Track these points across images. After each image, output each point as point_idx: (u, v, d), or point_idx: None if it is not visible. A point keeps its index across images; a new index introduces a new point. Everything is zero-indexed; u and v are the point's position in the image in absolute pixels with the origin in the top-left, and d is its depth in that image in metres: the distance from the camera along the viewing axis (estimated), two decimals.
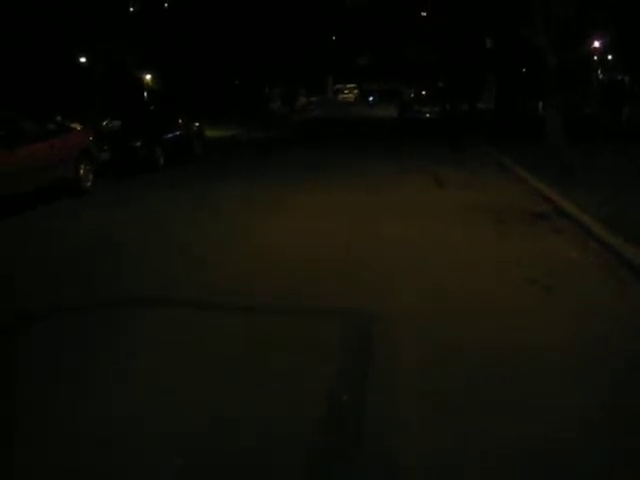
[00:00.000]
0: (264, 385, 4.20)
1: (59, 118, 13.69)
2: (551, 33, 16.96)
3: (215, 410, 3.90)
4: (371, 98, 61.52)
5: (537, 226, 8.64)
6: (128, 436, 3.65)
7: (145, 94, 32.51)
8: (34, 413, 3.94)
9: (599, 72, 32.41)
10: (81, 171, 12.97)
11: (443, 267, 6.72)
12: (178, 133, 18.26)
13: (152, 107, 22.60)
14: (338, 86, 73.34)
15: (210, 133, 21.77)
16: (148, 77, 33.64)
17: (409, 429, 3.62)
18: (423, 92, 38.27)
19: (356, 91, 73.02)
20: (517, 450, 3.39)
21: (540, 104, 27.31)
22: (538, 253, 7.22)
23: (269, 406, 3.91)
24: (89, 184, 13.23)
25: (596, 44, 28.25)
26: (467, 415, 3.74)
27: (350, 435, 3.58)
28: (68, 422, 3.82)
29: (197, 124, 19.89)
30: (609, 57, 31.79)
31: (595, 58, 30.68)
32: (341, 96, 71.56)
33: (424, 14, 37.40)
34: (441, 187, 12.15)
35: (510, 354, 4.52)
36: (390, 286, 6.16)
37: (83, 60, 27.37)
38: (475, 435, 3.53)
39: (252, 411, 3.87)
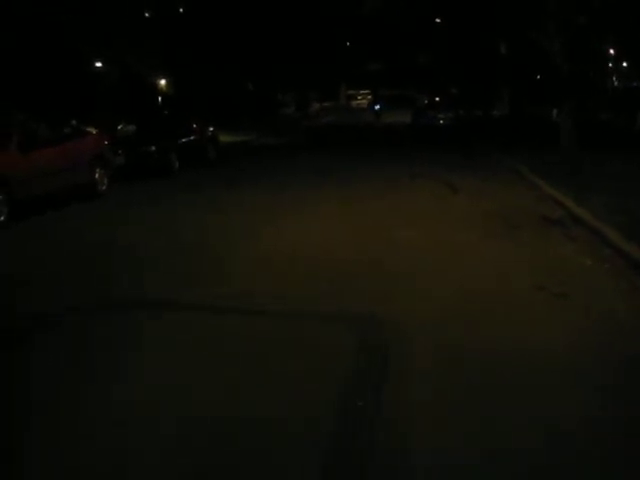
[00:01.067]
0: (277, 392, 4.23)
1: (74, 122, 13.78)
2: (564, 39, 16.93)
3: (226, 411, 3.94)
4: (377, 106, 47.77)
5: (551, 232, 8.60)
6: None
7: (159, 99, 32.70)
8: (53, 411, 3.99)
9: (614, 79, 32.28)
10: (96, 175, 13.09)
11: (455, 273, 6.71)
12: (192, 138, 18.36)
13: (166, 112, 22.73)
14: (351, 92, 73.33)
15: (224, 138, 21.86)
16: (163, 82, 33.83)
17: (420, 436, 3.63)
18: (437, 98, 38.22)
19: (370, 97, 72.97)
20: (517, 451, 3.39)
21: (554, 111, 27.23)
22: (552, 260, 7.19)
23: (275, 412, 3.95)
24: (104, 188, 13.34)
25: (611, 51, 28.16)
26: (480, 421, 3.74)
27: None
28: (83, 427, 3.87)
29: (211, 129, 19.99)
30: (624, 64, 31.66)
31: (610, 65, 30.56)
32: (354, 102, 71.49)
33: (438, 20, 37.42)
34: (455, 193, 12.13)
35: (522, 360, 4.51)
36: (402, 290, 6.16)
37: (99, 65, 27.59)
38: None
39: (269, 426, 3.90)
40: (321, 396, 4.05)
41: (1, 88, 19.77)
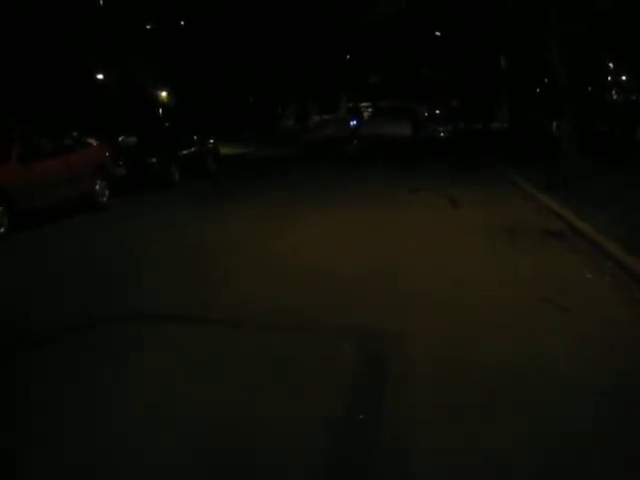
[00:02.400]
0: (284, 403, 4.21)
1: (75, 134, 13.80)
2: (564, 52, 16.99)
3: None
4: (354, 122, 39.40)
5: (552, 245, 8.61)
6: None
7: (160, 111, 32.78)
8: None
9: (613, 92, 32.39)
10: (97, 186, 13.10)
11: (457, 286, 6.69)
12: (193, 150, 18.39)
13: (167, 124, 22.78)
14: (351, 104, 73.58)
15: (224, 150, 21.88)
16: (163, 94, 33.92)
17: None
18: (437, 111, 38.34)
19: (370, 109, 73.23)
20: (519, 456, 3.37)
21: (554, 123, 27.30)
22: (553, 272, 7.18)
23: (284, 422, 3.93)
24: (105, 199, 13.35)
25: (610, 64, 28.26)
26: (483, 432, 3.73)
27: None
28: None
29: (211, 141, 20.02)
30: (623, 77, 31.77)
31: (609, 78, 30.67)
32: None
33: (438, 33, 37.59)
34: (455, 206, 12.13)
35: (524, 372, 4.50)
36: (404, 302, 6.16)
37: (100, 76, 27.67)
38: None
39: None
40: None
41: (2, 99, 19.81)
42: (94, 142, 14.42)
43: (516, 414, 3.94)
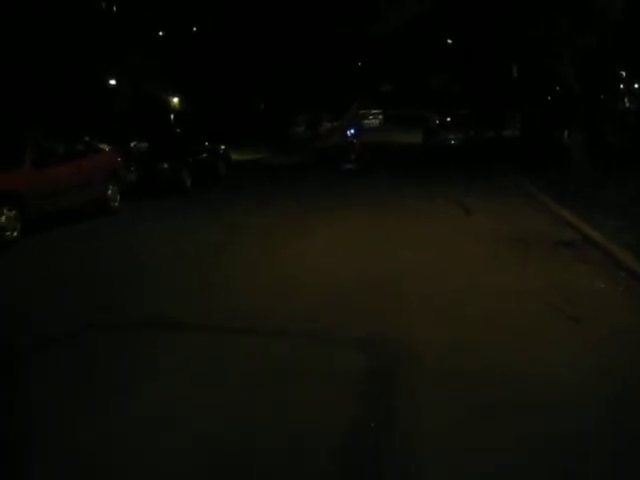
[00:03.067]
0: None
1: (88, 139, 13.86)
2: (575, 62, 16.98)
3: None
4: (351, 131, 28.73)
5: (564, 255, 8.56)
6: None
7: (172, 117, 32.91)
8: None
9: (626, 100, 32.25)
10: (109, 192, 13.15)
11: (469, 295, 6.67)
12: (204, 156, 18.44)
13: (179, 130, 22.86)
14: (362, 111, 73.58)
15: (235, 157, 21.96)
16: (175, 100, 34.06)
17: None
18: (448, 119, 38.26)
19: (381, 117, 73.23)
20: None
21: (565, 132, 27.21)
22: (565, 282, 7.15)
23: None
24: (116, 204, 13.40)
25: (622, 73, 28.16)
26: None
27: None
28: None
29: (223, 147, 20.08)
30: (636, 85, 31.64)
31: (621, 86, 30.55)
32: (365, 121, 71.74)
33: (450, 41, 37.60)
34: (468, 215, 12.10)
35: (536, 383, 4.48)
36: (414, 312, 6.14)
37: (112, 82, 27.81)
38: None
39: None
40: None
41: (16, 105, 19.94)
42: (106, 147, 14.50)
43: (519, 419, 3.93)
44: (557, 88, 23.79)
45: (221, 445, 3.76)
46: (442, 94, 46.77)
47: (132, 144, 18.24)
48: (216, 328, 5.89)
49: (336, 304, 6.46)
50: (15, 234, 10.12)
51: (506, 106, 34.03)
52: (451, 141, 33.26)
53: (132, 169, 15.33)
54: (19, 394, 4.59)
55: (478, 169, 21.49)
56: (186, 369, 4.94)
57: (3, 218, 9.89)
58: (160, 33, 30.80)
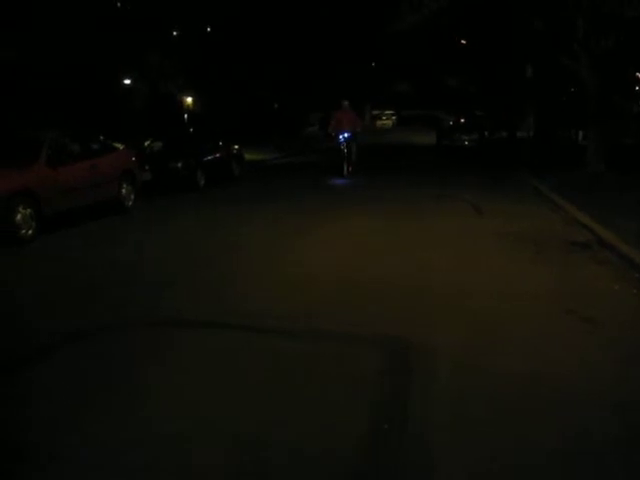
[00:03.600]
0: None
1: (102, 138, 13.93)
2: (593, 63, 16.89)
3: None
4: (345, 134, 19.52)
5: (578, 256, 8.53)
6: None
7: (186, 116, 33.03)
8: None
9: None
10: (123, 190, 13.21)
11: (481, 296, 6.66)
12: (218, 155, 18.48)
13: (193, 129, 22.92)
14: (375, 112, 73.55)
15: (248, 156, 21.99)
16: (189, 100, 34.18)
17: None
18: (462, 119, 38.12)
19: (394, 117, 73.14)
20: None
21: (580, 133, 27.08)
22: (579, 283, 7.12)
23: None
24: (130, 203, 13.46)
25: (638, 75, 27.98)
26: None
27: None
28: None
29: (236, 147, 20.11)
30: None
31: (637, 88, 30.37)
32: (379, 122, 71.69)
33: (464, 42, 37.48)
34: (480, 215, 12.08)
35: (548, 385, 4.47)
36: (428, 313, 6.14)
37: (127, 82, 27.96)
38: None
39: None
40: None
41: (31, 104, 20.09)
42: (121, 146, 14.53)
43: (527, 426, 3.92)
44: (572, 89, 23.69)
45: (238, 445, 3.79)
46: (457, 95, 46.63)
47: (146, 143, 18.33)
48: (235, 327, 5.91)
49: (352, 302, 6.47)
50: (30, 232, 10.19)
51: (520, 107, 33.90)
52: (465, 142, 33.17)
53: (146, 168, 15.41)
54: (35, 391, 4.63)
55: (492, 170, 21.42)
56: (200, 368, 4.96)
57: (19, 216, 9.96)
58: (175, 33, 30.94)
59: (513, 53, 26.65)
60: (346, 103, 19.13)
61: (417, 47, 39.55)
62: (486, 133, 35.71)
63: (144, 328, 5.95)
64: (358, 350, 5.25)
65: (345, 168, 19.29)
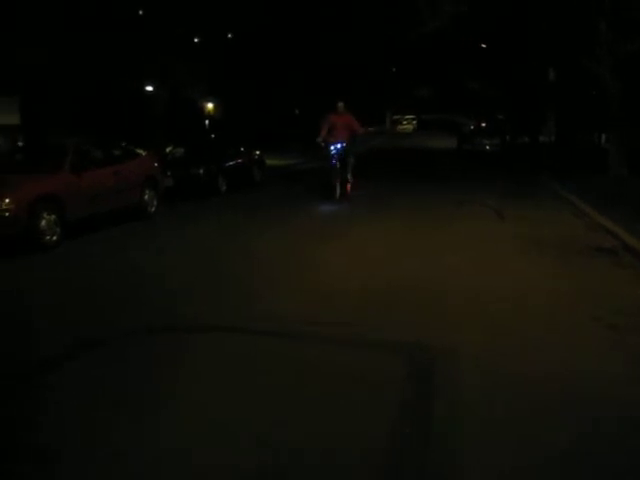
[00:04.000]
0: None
1: (125, 144, 14.04)
2: (614, 67, 16.75)
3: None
4: (338, 145, 15.29)
5: (602, 262, 8.45)
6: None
7: (207, 122, 33.23)
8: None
9: None
10: (146, 196, 13.31)
11: (504, 302, 6.62)
12: (239, 161, 18.57)
13: (214, 135, 23.04)
14: (396, 117, 73.57)
15: (270, 162, 22.06)
16: (211, 106, 34.38)
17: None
18: (483, 124, 37.99)
19: (415, 122, 73.08)
20: None
21: (603, 137, 26.86)
22: (605, 290, 7.06)
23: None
24: (153, 209, 13.55)
25: None
26: None
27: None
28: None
29: (258, 152, 20.19)
30: None
31: None
32: (399, 127, 71.70)
33: (484, 46, 37.31)
34: (502, 220, 12.02)
35: (571, 389, 4.45)
36: (451, 318, 6.12)
37: (149, 88, 28.20)
38: None
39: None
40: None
41: (57, 109, 20.34)
42: (143, 152, 14.67)
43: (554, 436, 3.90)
44: (593, 92, 23.51)
45: (263, 446, 3.81)
46: (477, 99, 46.46)
47: (168, 149, 18.46)
48: (255, 331, 5.92)
49: (374, 306, 6.48)
50: (55, 238, 10.31)
51: (542, 110, 33.70)
52: (486, 146, 33.06)
53: (168, 174, 15.52)
54: (52, 397, 4.69)
55: (514, 175, 21.33)
56: (222, 372, 4.99)
57: (43, 222, 10.08)
58: (196, 40, 31.17)
59: (534, 56, 26.53)
60: (341, 105, 15.57)
61: (438, 51, 39.50)
62: (507, 137, 35.55)
63: (164, 333, 5.98)
64: (381, 354, 5.26)
65: (338, 190, 15.20)
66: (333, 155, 15.38)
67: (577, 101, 26.87)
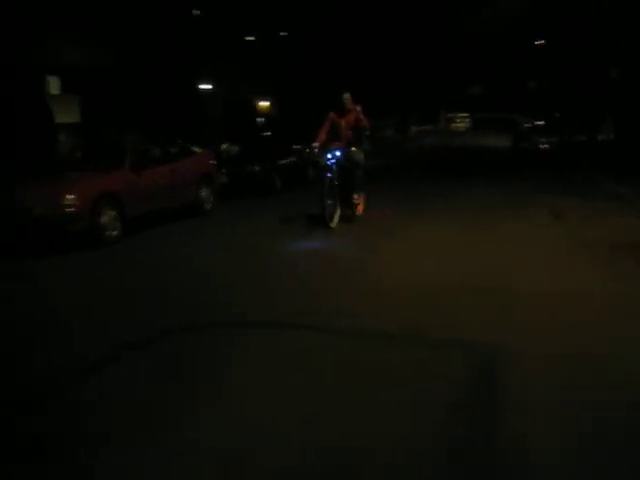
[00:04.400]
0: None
1: (181, 142, 14.29)
2: None
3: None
4: (338, 152, 11.56)
5: None
6: None
7: (262, 120, 33.49)
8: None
9: None
10: (202, 193, 13.52)
11: (567, 308, 6.48)
12: (294, 159, 18.68)
13: (269, 133, 23.24)
14: (450, 115, 72.88)
15: None
16: (266, 103, 34.64)
17: None
18: (540, 122, 37.34)
19: (468, 120, 72.24)
20: None
21: None
22: None
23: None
24: (209, 206, 13.76)
25: None
26: None
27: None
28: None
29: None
30: None
31: None
32: (453, 125, 70.98)
33: (537, 43, 36.69)
34: (559, 221, 11.80)
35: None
36: (512, 319, 6.07)
37: (205, 87, 28.58)
38: None
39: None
40: None
41: (115, 109, 20.77)
42: (199, 150, 14.90)
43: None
44: None
45: (322, 447, 3.85)
46: (534, 97, 45.73)
47: (223, 147, 18.69)
48: (308, 327, 5.97)
49: (430, 306, 6.47)
50: (115, 233, 10.59)
51: (601, 109, 32.99)
52: (543, 145, 32.51)
53: (223, 171, 15.73)
54: (106, 394, 4.82)
55: (572, 174, 20.89)
56: (281, 370, 5.05)
57: (105, 218, 10.37)
58: (251, 38, 31.46)
59: (594, 54, 25.99)
60: (348, 97, 12.12)
61: (495, 49, 39.03)
62: (565, 136, 34.90)
63: (217, 329, 6.09)
64: (441, 353, 5.25)
65: (333, 215, 11.32)
66: (328, 165, 11.45)
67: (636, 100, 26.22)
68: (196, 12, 26.73)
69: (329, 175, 11.30)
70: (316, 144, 11.72)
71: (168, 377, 4.98)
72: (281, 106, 34.23)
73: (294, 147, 19.24)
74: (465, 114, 72.75)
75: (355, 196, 11.91)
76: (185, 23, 24.90)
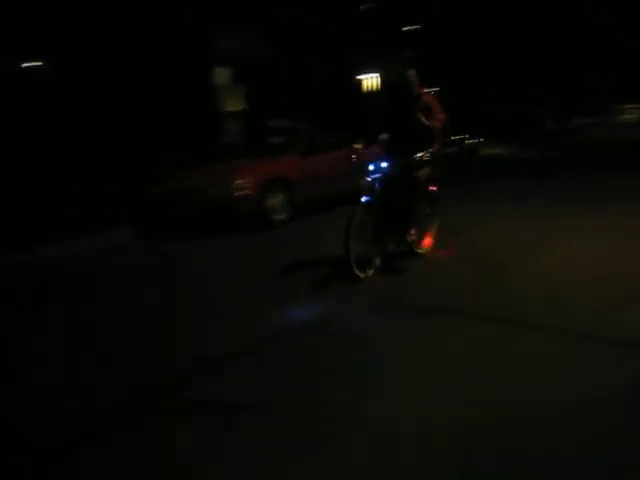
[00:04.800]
0: None
1: (343, 131, 14.65)
2: None
3: None
4: (383, 164, 7.96)
5: None
6: None
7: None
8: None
9: None
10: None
11: None
12: (451, 150, 18.59)
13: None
14: (618, 106, 68.88)
15: (484, 151, 21.82)
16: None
17: None
18: None
19: (638, 111, 67.93)
20: None
21: None
22: None
23: None
24: None
25: None
26: None
27: None
28: None
29: (470, 142, 20.05)
30: None
31: None
32: (622, 117, 66.96)
33: None
34: None
35: None
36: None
37: (363, 77, 29.03)
38: None
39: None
40: None
41: (277, 99, 21.73)
42: (361, 142, 15.12)
43: None
44: None
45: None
46: None
47: (380, 137, 18.88)
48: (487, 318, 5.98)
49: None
50: (284, 216, 11.21)
51: None
52: None
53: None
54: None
55: None
56: (464, 359, 5.11)
57: (274, 201, 11.01)
58: (412, 28, 31.51)
59: None
60: (412, 73, 8.28)
61: None
62: None
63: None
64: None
65: (354, 264, 7.42)
66: (370, 183, 8.00)
67: None
68: (369, 6, 27.15)
69: (366, 198, 7.73)
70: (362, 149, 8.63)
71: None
72: (443, 95, 34.01)
73: (453, 138, 19.17)
74: (635, 105, 68.45)
75: (412, 231, 8.31)
76: (351, 18, 25.45)
